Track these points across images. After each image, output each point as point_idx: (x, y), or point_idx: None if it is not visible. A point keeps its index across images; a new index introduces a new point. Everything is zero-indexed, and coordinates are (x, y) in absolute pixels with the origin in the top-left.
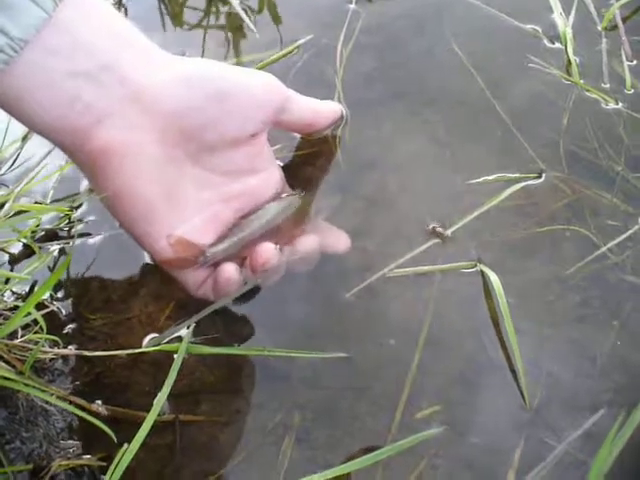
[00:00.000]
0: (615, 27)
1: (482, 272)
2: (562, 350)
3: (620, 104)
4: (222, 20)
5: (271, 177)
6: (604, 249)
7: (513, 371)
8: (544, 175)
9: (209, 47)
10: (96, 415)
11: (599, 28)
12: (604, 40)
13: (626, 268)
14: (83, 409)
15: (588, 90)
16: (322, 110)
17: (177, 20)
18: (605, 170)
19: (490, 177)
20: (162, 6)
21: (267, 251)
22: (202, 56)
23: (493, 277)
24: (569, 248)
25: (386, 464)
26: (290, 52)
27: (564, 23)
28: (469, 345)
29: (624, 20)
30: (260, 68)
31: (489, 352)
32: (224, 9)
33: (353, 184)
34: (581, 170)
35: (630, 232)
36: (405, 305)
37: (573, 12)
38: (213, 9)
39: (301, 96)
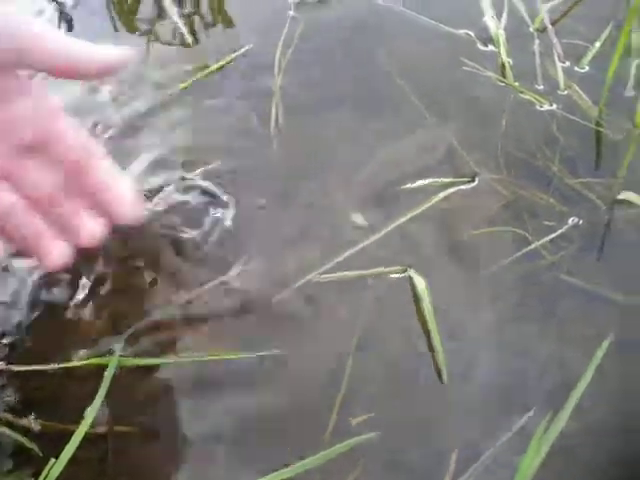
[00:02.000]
0: (553, 25)
1: (411, 277)
2: (497, 352)
3: (554, 105)
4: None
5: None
6: (533, 246)
7: (442, 376)
8: (477, 178)
9: (153, 55)
10: (27, 431)
11: (531, 30)
12: (536, 42)
13: (562, 268)
14: (12, 425)
15: (522, 92)
16: (83, 55)
17: (128, 27)
18: (541, 171)
19: (425, 181)
20: (112, 13)
21: None
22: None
23: (420, 283)
24: (505, 250)
25: (322, 470)
26: (229, 62)
27: (496, 26)
28: (400, 351)
29: (554, 22)
30: (201, 78)
31: (420, 359)
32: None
33: (290, 189)
34: (517, 172)
35: (561, 231)
36: (336, 310)
37: (505, 15)
38: (159, 20)
39: (61, 36)
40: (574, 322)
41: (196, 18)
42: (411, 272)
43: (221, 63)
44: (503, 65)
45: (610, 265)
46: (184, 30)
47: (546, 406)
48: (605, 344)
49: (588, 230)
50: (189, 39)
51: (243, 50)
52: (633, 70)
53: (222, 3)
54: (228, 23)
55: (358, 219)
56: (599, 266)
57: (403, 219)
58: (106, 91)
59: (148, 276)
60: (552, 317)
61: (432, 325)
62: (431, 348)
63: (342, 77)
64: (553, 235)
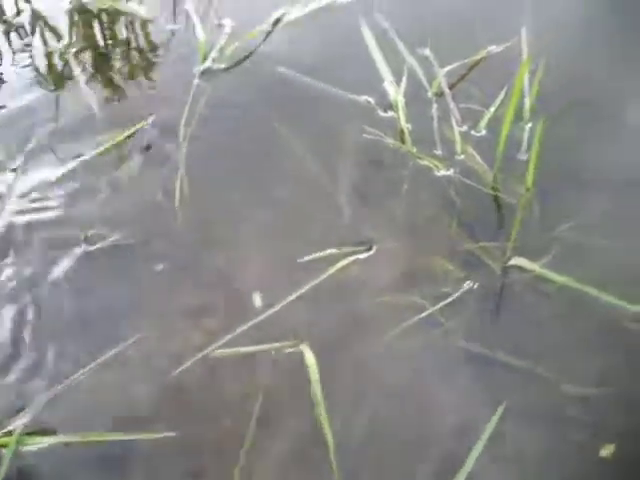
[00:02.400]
0: (450, 89)
1: (302, 352)
2: (392, 421)
3: (451, 170)
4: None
5: None
6: (430, 312)
7: (328, 446)
8: (375, 246)
9: (60, 124)
10: None
11: (430, 94)
12: (435, 106)
13: (458, 333)
14: None
15: (421, 158)
16: None
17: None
18: (439, 237)
19: (324, 252)
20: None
21: None
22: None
23: (310, 359)
24: (402, 317)
25: None
26: (135, 132)
27: (395, 91)
28: (294, 422)
29: (452, 87)
30: (107, 149)
31: (311, 429)
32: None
33: (193, 260)
34: (415, 238)
35: (457, 296)
36: (234, 384)
37: (404, 80)
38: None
39: None
40: (470, 388)
41: (103, 87)
42: (304, 346)
43: (126, 134)
44: (402, 131)
45: (505, 329)
46: (92, 99)
47: (442, 474)
48: (500, 410)
49: (483, 295)
50: (95, 108)
51: (149, 120)
52: (526, 133)
53: (131, 71)
54: (134, 92)
55: (257, 296)
56: (494, 330)
57: (301, 290)
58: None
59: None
60: (449, 384)
61: (320, 402)
62: (320, 422)
63: (245, 146)
64: (449, 300)
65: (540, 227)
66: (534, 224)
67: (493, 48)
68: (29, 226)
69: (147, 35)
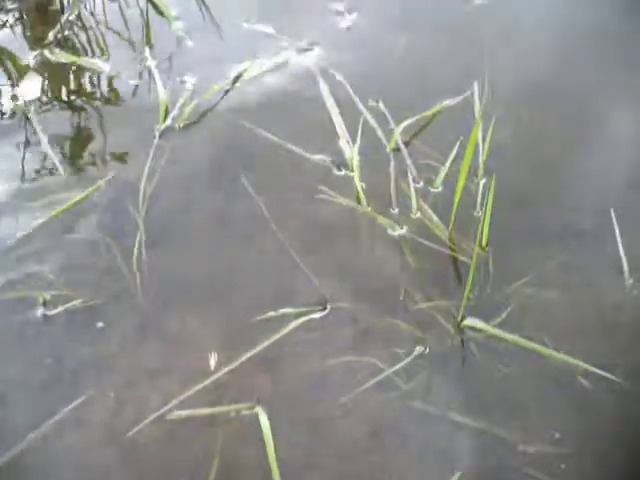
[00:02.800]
0: (406, 145)
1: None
2: None
3: (405, 228)
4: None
5: None
6: (386, 375)
7: None
8: (330, 306)
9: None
10: None
11: (387, 150)
12: (392, 163)
13: (415, 395)
14: None
15: (376, 217)
16: None
17: None
18: (393, 297)
19: (278, 312)
20: None
21: None
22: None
23: (264, 422)
24: (357, 380)
25: None
26: (93, 192)
27: (351, 150)
28: None
29: (407, 143)
30: (65, 209)
31: None
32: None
33: (150, 321)
34: (370, 298)
35: (413, 357)
36: (191, 446)
37: (360, 136)
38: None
39: None
40: (427, 451)
41: (65, 144)
42: (258, 409)
43: (86, 192)
44: (358, 191)
45: (460, 390)
46: (55, 159)
47: None
48: (457, 475)
49: (439, 355)
50: (58, 166)
51: (107, 179)
52: (480, 189)
53: (93, 128)
54: (94, 151)
55: (212, 357)
56: (450, 391)
57: (255, 350)
58: None
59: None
60: (406, 447)
61: (274, 466)
62: None
63: (203, 204)
64: (404, 362)
65: (495, 284)
66: (489, 281)
67: (448, 102)
68: None
69: (110, 91)
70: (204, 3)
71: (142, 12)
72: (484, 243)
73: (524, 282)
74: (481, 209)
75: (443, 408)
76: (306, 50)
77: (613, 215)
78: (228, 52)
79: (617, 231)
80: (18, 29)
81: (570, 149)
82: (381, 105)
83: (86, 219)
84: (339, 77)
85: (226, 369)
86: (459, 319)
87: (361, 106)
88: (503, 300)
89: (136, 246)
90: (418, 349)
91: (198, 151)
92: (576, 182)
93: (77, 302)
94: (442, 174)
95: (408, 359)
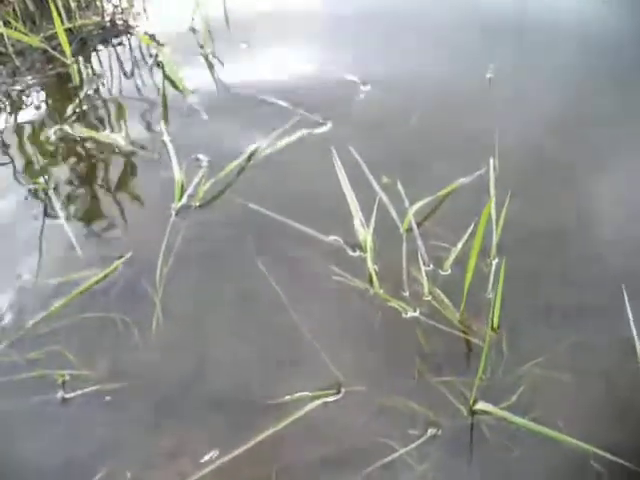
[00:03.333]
0: (419, 226)
1: None
2: None
3: (418, 311)
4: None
5: None
6: (399, 455)
7: None
8: (343, 389)
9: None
10: None
11: (400, 231)
12: (404, 245)
13: (427, 477)
14: None
15: (388, 300)
16: None
17: None
18: (406, 379)
19: (292, 395)
20: None
21: None
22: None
23: None
24: (371, 460)
25: None
26: (112, 271)
27: (365, 231)
28: None
29: (420, 223)
30: (83, 290)
31: None
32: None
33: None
34: (383, 381)
35: (425, 439)
36: None
37: (374, 217)
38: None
39: None
40: None
41: (83, 223)
42: None
43: (104, 273)
44: (370, 273)
45: (474, 472)
46: (72, 237)
47: None
48: None
49: (451, 437)
50: (76, 246)
51: (125, 258)
52: (493, 270)
53: (110, 206)
54: (112, 229)
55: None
56: (464, 474)
57: (270, 432)
58: None
59: None
60: None
61: None
62: None
63: (219, 284)
64: (417, 443)
65: (507, 366)
66: (501, 363)
67: (462, 180)
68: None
69: (126, 168)
70: (219, 77)
71: (158, 87)
72: (495, 324)
73: (537, 362)
74: (493, 290)
75: None
76: (321, 124)
77: (625, 292)
78: (243, 126)
79: (629, 309)
80: (38, 103)
81: (587, 225)
82: (396, 183)
83: (104, 299)
84: (356, 154)
85: (239, 450)
86: (471, 402)
87: (375, 184)
88: (515, 382)
89: (154, 325)
90: (431, 431)
91: (214, 231)
92: (589, 260)
93: (95, 383)
94: (452, 256)
95: (421, 441)
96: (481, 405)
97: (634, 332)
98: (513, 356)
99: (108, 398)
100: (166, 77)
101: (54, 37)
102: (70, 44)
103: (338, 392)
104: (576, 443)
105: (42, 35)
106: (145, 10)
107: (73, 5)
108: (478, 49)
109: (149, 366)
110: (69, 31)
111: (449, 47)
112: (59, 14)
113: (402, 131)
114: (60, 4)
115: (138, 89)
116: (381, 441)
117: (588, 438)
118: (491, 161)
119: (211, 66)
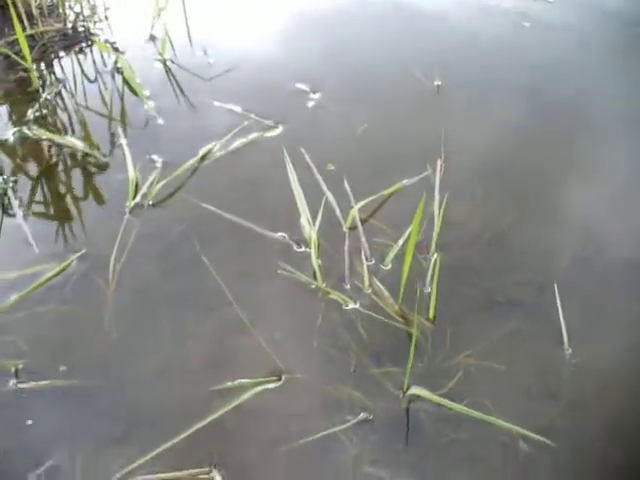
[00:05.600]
0: (364, 223)
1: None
2: None
3: (358, 303)
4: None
5: None
6: (333, 439)
7: None
8: (283, 377)
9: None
10: None
11: (344, 229)
12: (347, 242)
13: (364, 459)
14: None
15: (330, 293)
16: None
17: None
18: (346, 367)
19: (233, 382)
20: None
21: None
22: None
23: None
24: (309, 444)
25: None
26: (66, 267)
27: (310, 228)
28: None
29: (364, 221)
30: (38, 285)
31: None
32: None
33: (115, 389)
34: (321, 369)
35: (362, 421)
36: None
37: (320, 216)
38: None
39: None
40: None
41: (40, 221)
42: (215, 474)
43: (57, 268)
44: (314, 268)
45: (408, 456)
46: (28, 234)
47: None
48: None
49: (387, 421)
50: (33, 243)
51: (79, 254)
52: (431, 265)
53: (66, 204)
54: (67, 226)
55: (173, 425)
56: (399, 456)
57: (212, 417)
58: None
59: None
60: None
61: None
62: None
63: (170, 279)
64: (351, 423)
65: (443, 355)
66: (437, 352)
67: (406, 181)
68: None
69: (83, 169)
70: (176, 83)
71: (118, 92)
72: (431, 316)
73: (469, 353)
74: (431, 284)
75: (392, 473)
76: (272, 128)
77: (556, 289)
78: (197, 130)
79: (559, 304)
80: None
81: (526, 225)
82: (343, 183)
83: (58, 295)
84: (303, 154)
85: (184, 435)
86: (404, 388)
87: (323, 185)
88: (449, 370)
89: (106, 319)
90: (368, 415)
91: (165, 228)
92: (523, 257)
93: (47, 372)
94: (393, 252)
95: (358, 425)
96: (414, 390)
97: (562, 323)
98: (449, 345)
99: (60, 387)
100: (125, 83)
101: (16, 43)
102: (32, 50)
103: (279, 379)
104: (507, 425)
105: (4, 40)
106: (107, 17)
107: (36, 12)
108: (427, 56)
109: (100, 357)
110: (31, 37)
111: (399, 54)
112: (20, 20)
113: (351, 135)
114: (22, 10)
115: (97, 94)
116: (317, 423)
117: (518, 420)
118: (438, 162)
119: (169, 72)
